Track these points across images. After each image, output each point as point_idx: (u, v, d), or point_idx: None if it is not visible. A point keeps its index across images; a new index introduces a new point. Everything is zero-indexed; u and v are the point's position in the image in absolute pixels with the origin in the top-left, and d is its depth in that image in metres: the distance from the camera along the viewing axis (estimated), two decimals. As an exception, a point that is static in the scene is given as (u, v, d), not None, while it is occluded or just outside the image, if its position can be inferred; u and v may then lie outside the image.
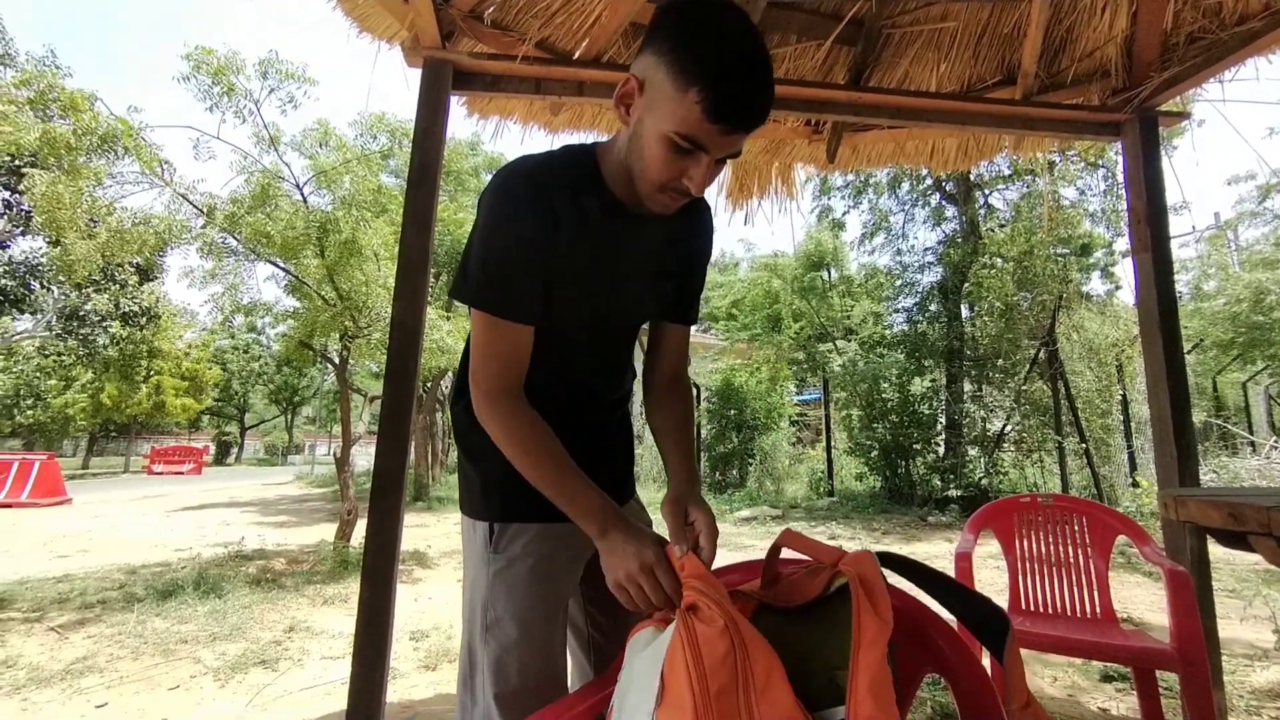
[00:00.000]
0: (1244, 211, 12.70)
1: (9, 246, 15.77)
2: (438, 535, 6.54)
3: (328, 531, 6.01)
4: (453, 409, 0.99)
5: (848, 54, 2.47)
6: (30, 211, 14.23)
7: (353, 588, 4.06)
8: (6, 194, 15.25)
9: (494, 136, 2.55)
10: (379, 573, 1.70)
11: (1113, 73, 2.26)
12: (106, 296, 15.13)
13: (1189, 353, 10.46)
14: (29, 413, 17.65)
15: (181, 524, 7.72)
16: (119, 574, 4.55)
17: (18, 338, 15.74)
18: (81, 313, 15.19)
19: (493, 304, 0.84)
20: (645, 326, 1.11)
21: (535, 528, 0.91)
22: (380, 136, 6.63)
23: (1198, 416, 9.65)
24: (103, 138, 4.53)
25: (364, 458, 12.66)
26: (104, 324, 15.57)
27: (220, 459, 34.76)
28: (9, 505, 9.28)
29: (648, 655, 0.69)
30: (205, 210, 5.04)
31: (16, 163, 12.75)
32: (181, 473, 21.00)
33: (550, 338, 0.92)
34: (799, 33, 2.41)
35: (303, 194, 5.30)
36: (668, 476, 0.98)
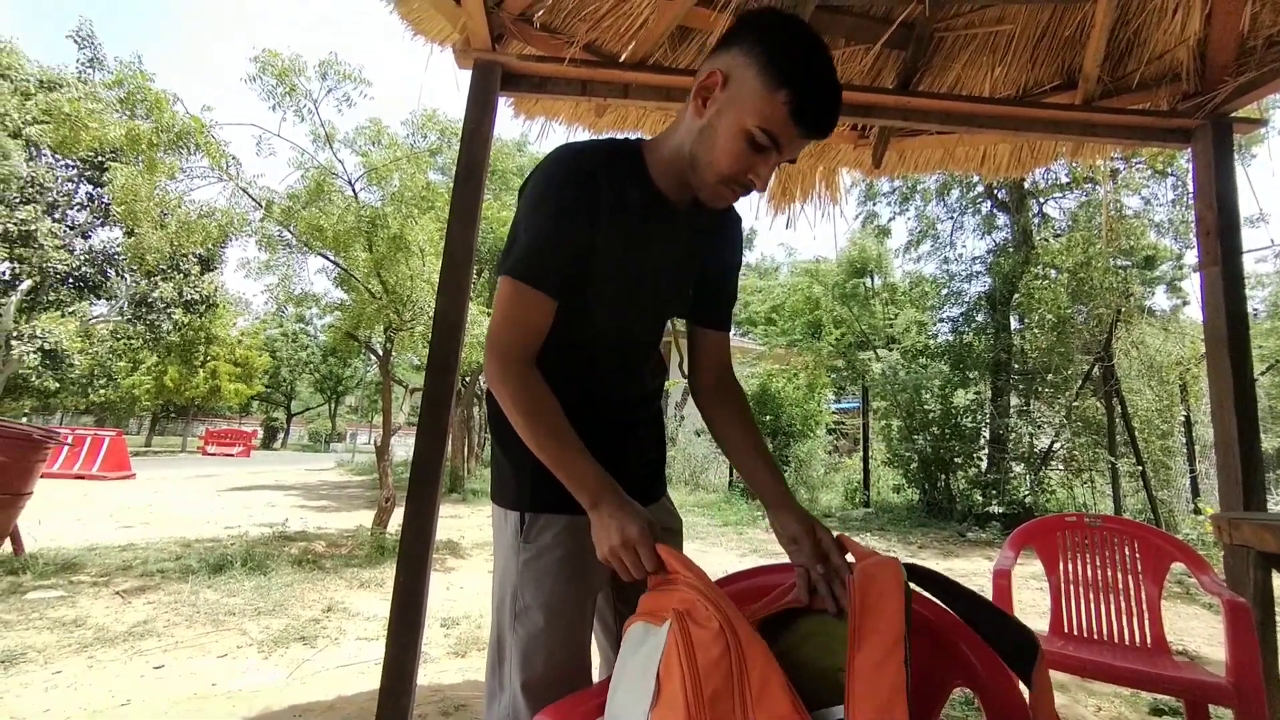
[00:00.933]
0: (1330, 225, 11.82)
1: (90, 236, 16.90)
2: (471, 527, 6.69)
3: (366, 518, 6.22)
4: (490, 397, 1.01)
5: (897, 58, 2.42)
6: (109, 204, 15.22)
7: (388, 573, 4.19)
8: (90, 188, 16.34)
9: (540, 137, 2.60)
10: (414, 560, 1.75)
11: (1183, 76, 2.15)
12: (171, 285, 16.06)
13: (1264, 374, 9.78)
14: (101, 391, 18.85)
15: (231, 503, 8.12)
16: (175, 546, 4.82)
17: (95, 321, 16.83)
18: (150, 299, 16.15)
19: (525, 273, 0.87)
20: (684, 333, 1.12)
21: (566, 519, 0.92)
22: (430, 135, 6.82)
23: (1271, 442, 9.02)
24: (178, 135, 4.81)
25: (403, 448, 13.04)
26: (169, 310, 16.51)
27: (267, 443, 36.38)
28: (82, 477, 9.93)
29: (642, 654, 0.69)
30: (263, 204, 5.29)
31: (100, 158, 13.67)
32: (232, 455, 22.05)
33: (581, 329, 0.94)
34: (847, 36, 2.37)
35: (354, 190, 5.51)
36: (766, 497, 0.95)
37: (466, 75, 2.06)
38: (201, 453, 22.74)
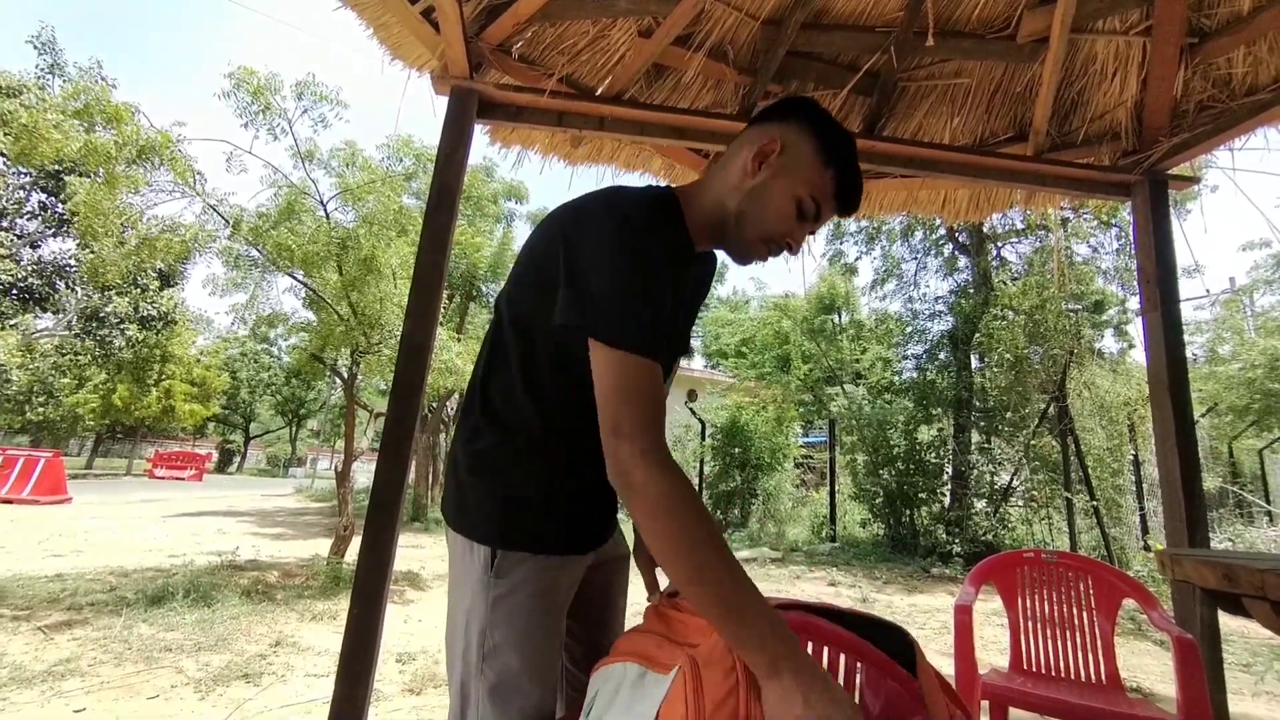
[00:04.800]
0: (1259, 279, 12.63)
1: (40, 246, 16.23)
2: (433, 558, 6.47)
3: (323, 546, 5.97)
4: (479, 417, 0.91)
5: (863, 103, 2.54)
6: (63, 215, 14.68)
7: (343, 605, 4.01)
8: (44, 196, 15.77)
9: (515, 166, 2.63)
10: (370, 590, 1.68)
11: (1123, 135, 2.30)
12: (127, 300, 15.46)
13: (1204, 415, 10.27)
14: (40, 410, 17.80)
15: (178, 530, 7.70)
16: (111, 577, 4.52)
17: (38, 335, 16.03)
18: (102, 314, 15.50)
19: (641, 340, 0.74)
20: None
21: (541, 557, 0.87)
22: (405, 159, 6.83)
23: (1213, 482, 9.42)
24: (142, 149, 4.70)
25: (364, 475, 12.62)
26: (122, 326, 15.85)
27: (222, 467, 34.79)
28: (10, 501, 9.30)
29: (643, 700, 0.67)
30: (232, 222, 5.18)
31: (56, 167, 13.22)
32: (183, 478, 21.00)
33: None
34: (816, 81, 2.49)
35: (326, 210, 5.44)
36: None
37: (443, 101, 2.08)
38: (149, 476, 21.58)
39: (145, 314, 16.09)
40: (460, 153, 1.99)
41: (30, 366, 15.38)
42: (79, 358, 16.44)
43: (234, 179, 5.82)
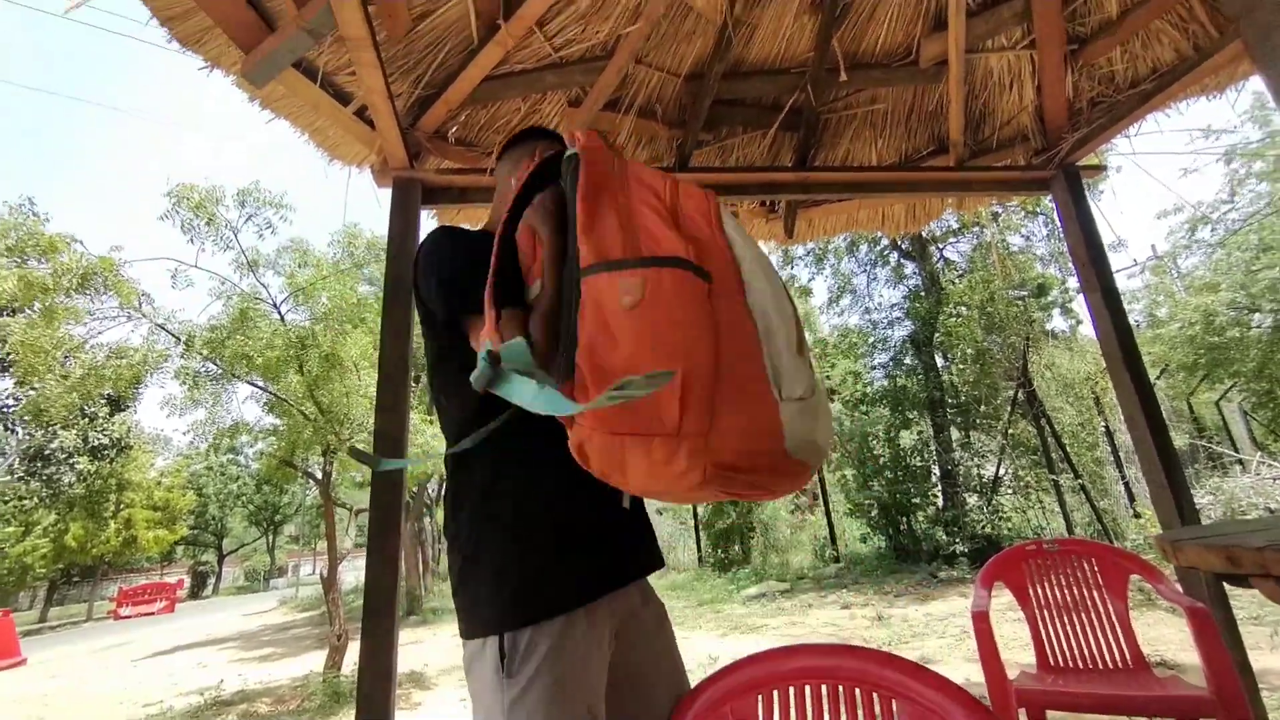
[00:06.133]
0: (1178, 244, 13.46)
1: (-26, 390, 15.45)
2: (435, 651, 6.13)
3: (317, 661, 5.60)
4: (454, 516, 0.92)
5: (792, 138, 2.67)
6: None
7: (342, 724, 3.74)
8: (-24, 338, 15.09)
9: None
10: (374, 703, 1.58)
11: (1031, 137, 2.48)
12: (74, 432, 14.71)
13: (1158, 378, 10.70)
14: (-16, 568, 16.50)
15: (151, 673, 7.13)
16: (81, 739, 4.13)
17: (-23, 486, 15.07)
18: (47, 451, 14.69)
19: (463, 307, 0.90)
20: None
21: (552, 637, 0.82)
22: (357, 250, 6.83)
23: (1181, 439, 9.73)
24: (82, 277, 4.60)
25: (352, 572, 12.02)
26: (71, 461, 15.03)
27: (196, 592, 32.72)
28: (-41, 672, 8.50)
29: None
30: (184, 339, 5.05)
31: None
32: (152, 613, 19.65)
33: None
34: (744, 124, 2.61)
35: (280, 313, 5.36)
36: None
37: (387, 192, 2.11)
38: (114, 617, 20.07)
39: (96, 444, 15.32)
40: (410, 242, 2.00)
41: (-32, 522, 14.37)
42: (24, 502, 15.41)
43: (180, 294, 5.70)
